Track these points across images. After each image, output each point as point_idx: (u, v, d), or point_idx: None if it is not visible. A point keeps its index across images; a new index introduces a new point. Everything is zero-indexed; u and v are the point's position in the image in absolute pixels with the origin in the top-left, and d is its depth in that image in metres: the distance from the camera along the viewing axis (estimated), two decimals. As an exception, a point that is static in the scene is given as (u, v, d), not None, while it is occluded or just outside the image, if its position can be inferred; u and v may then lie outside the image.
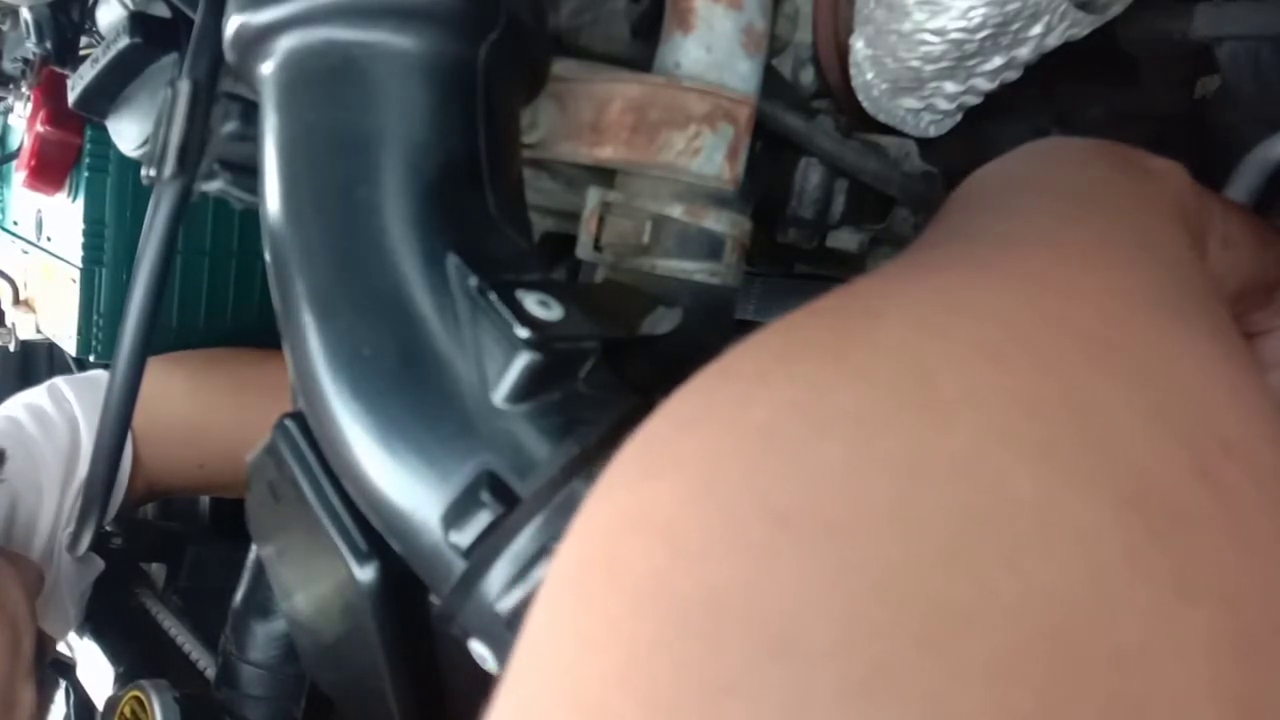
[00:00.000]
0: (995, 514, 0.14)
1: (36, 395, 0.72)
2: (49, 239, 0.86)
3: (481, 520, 0.25)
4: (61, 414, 0.70)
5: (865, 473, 0.14)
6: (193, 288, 0.84)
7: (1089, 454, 0.15)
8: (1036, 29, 0.36)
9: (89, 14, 0.70)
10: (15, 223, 0.94)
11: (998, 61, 0.38)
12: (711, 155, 0.37)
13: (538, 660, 0.15)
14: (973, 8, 0.35)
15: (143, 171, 0.41)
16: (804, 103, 0.44)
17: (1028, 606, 0.13)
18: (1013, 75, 0.39)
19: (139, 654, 0.73)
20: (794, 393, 0.16)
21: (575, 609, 0.15)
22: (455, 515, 0.26)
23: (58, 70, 0.76)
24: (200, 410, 0.76)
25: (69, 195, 0.81)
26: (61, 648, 0.73)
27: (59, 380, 0.73)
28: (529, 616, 0.16)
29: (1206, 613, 0.14)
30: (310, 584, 0.33)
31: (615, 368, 0.28)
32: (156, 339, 0.43)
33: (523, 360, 0.26)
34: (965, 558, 0.13)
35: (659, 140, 0.37)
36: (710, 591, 0.14)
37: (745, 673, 0.13)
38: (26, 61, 0.84)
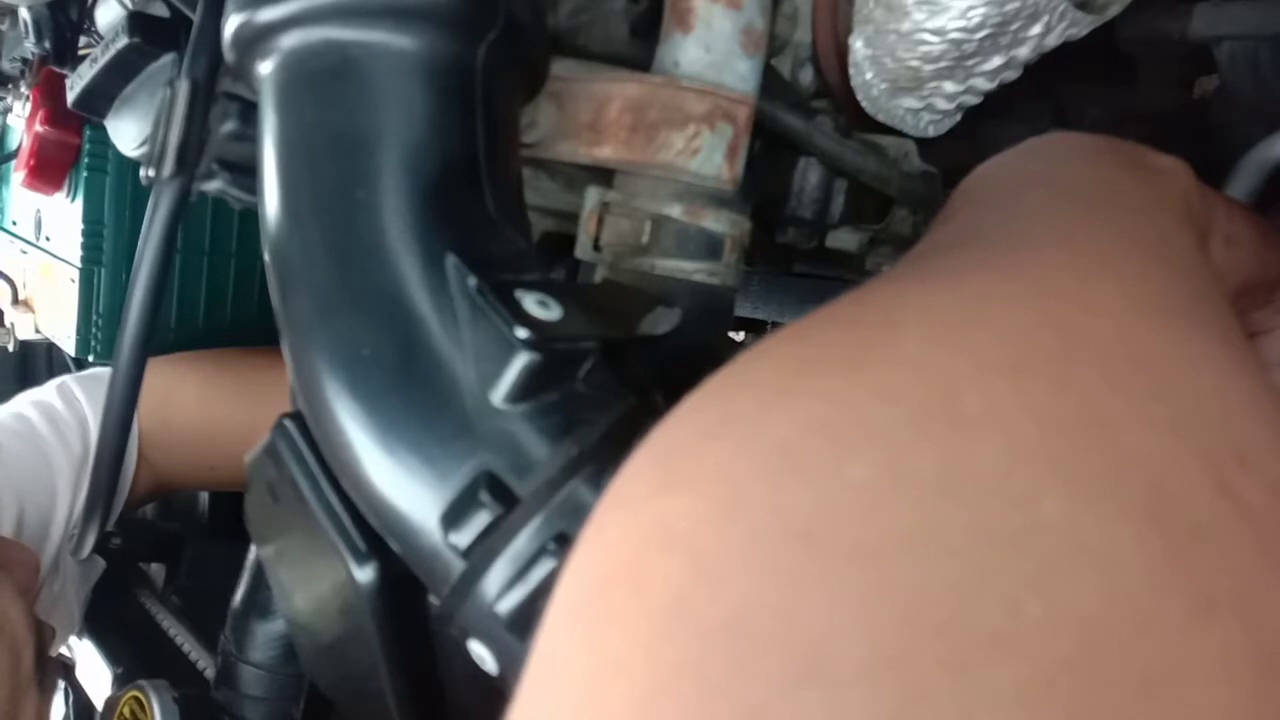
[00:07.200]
0: (1020, 534, 0.14)
1: (46, 394, 0.71)
2: (48, 239, 0.86)
3: (480, 520, 0.25)
4: (73, 414, 0.69)
5: (890, 493, 0.14)
6: (191, 288, 0.84)
7: (1110, 471, 0.15)
8: (1035, 29, 0.36)
9: (88, 14, 0.70)
10: (14, 222, 0.94)
11: (997, 61, 0.38)
12: (710, 155, 0.37)
13: (558, 679, 0.15)
14: (972, 7, 0.35)
15: (141, 171, 0.41)
16: (803, 102, 0.44)
17: (1054, 629, 0.13)
18: (1012, 75, 0.39)
19: (138, 654, 0.73)
20: (815, 407, 0.16)
21: (597, 628, 0.15)
22: (454, 515, 0.26)
23: (56, 70, 0.76)
24: (213, 414, 0.75)
25: (68, 195, 0.81)
26: (61, 648, 0.73)
27: (68, 379, 0.73)
28: (544, 629, 0.16)
29: (1229, 631, 0.14)
30: (309, 584, 0.33)
31: (614, 368, 0.28)
32: (155, 339, 0.43)
33: (521, 360, 0.26)
34: (992, 579, 0.13)
35: (658, 140, 0.37)
36: (736, 614, 0.13)
37: (773, 699, 0.12)
38: (25, 61, 0.84)
